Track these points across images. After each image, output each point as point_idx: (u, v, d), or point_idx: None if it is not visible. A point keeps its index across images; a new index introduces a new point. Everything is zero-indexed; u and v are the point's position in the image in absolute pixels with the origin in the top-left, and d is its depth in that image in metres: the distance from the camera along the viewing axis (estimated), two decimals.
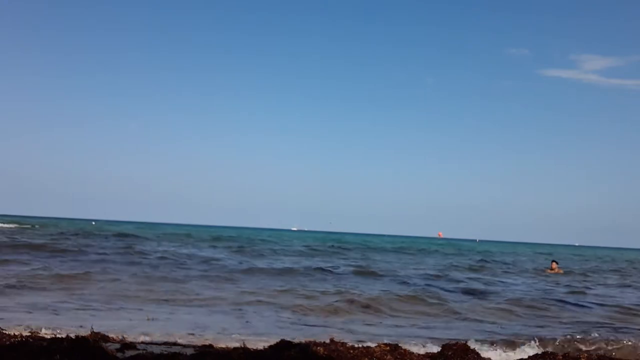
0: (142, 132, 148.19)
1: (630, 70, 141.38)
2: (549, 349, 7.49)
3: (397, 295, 13.07)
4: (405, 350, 6.28)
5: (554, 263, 25.98)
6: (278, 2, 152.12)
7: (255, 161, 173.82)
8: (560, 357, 6.19)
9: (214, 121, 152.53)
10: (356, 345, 6.33)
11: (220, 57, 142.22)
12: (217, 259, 22.35)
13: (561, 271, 25.63)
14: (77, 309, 9.36)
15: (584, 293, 16.65)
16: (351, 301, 11.76)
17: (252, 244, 39.52)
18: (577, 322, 10.99)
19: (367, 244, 58.62)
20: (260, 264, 21.23)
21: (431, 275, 20.51)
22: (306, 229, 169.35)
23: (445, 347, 6.51)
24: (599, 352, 7.67)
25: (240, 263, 21.05)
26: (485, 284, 18.44)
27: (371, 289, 14.22)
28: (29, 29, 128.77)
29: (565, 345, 8.13)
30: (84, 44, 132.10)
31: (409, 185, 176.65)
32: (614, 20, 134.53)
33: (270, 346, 6.13)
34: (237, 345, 6.41)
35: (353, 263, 25.37)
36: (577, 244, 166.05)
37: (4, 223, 52.66)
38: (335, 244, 50.44)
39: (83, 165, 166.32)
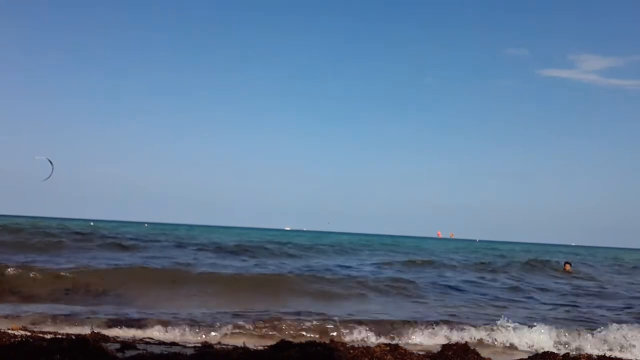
0: (142, 132, 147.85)
1: (630, 71, 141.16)
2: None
3: None
4: (405, 350, 6.29)
5: (567, 265, 26.78)
6: (278, 2, 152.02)
7: (252, 160, 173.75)
8: (560, 357, 6.21)
9: (213, 121, 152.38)
10: (356, 345, 6.34)
11: (220, 57, 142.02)
12: None
13: (572, 272, 26.18)
14: None
15: None
16: None
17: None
18: None
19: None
20: None
21: None
22: (305, 229, 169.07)
23: (445, 347, 6.52)
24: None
25: None
26: None
27: None
28: (29, 29, 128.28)
29: None
30: (84, 44, 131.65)
31: (408, 185, 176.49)
32: (614, 20, 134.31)
33: (270, 346, 6.13)
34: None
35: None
36: (573, 244, 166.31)
37: None
38: None
39: (82, 165, 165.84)
